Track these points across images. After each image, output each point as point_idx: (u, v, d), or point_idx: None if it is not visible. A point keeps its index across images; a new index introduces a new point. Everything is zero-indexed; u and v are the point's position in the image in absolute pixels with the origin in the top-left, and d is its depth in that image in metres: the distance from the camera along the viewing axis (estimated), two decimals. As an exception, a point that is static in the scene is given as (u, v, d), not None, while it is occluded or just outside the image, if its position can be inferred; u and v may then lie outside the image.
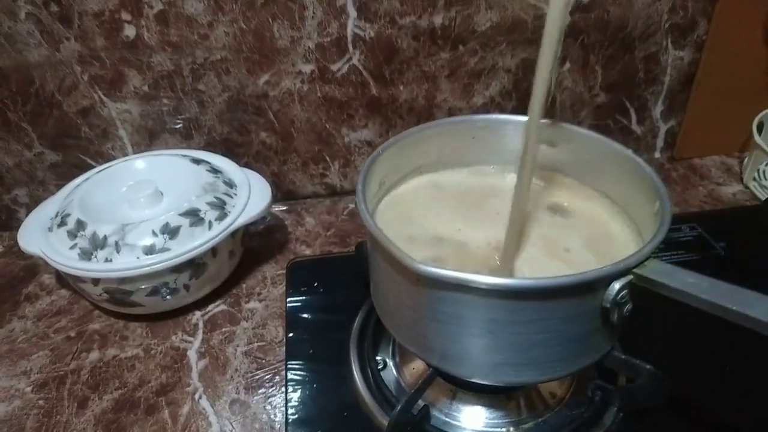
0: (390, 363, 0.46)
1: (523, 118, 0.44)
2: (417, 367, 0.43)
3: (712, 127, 0.78)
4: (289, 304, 0.55)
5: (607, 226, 0.40)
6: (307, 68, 0.64)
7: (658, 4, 0.66)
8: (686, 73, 0.73)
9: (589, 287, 0.29)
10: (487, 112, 0.70)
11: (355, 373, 0.44)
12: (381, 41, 0.63)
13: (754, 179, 0.73)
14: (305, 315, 0.54)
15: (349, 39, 0.62)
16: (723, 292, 0.27)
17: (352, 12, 0.61)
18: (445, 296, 0.31)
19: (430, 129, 0.44)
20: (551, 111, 0.72)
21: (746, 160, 0.78)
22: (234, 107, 0.65)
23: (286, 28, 0.60)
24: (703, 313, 0.29)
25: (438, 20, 0.63)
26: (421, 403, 0.40)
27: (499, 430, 0.40)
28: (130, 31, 0.59)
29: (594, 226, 0.41)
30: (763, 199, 0.72)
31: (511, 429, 0.40)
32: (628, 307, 0.31)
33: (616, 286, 0.30)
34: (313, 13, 0.60)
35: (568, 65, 0.69)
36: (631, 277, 0.30)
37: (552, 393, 0.42)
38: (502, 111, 0.71)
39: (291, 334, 0.51)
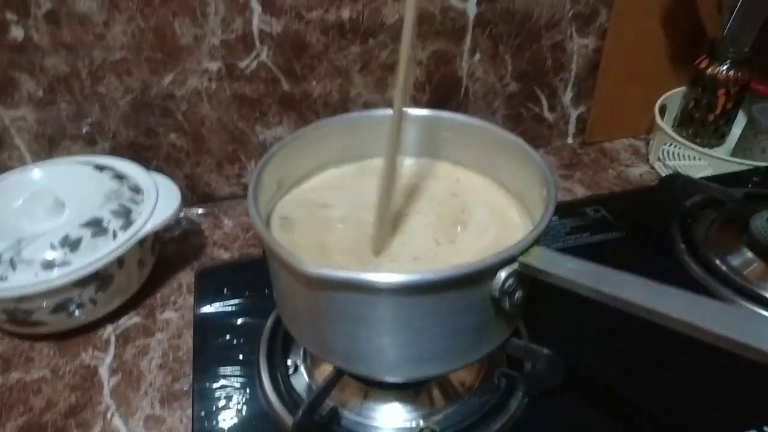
0: (301, 367, 0.45)
1: (418, 111, 0.45)
2: (327, 368, 0.43)
3: (619, 111, 0.81)
4: (197, 312, 0.53)
5: (504, 214, 0.41)
6: (213, 66, 0.62)
7: (560, -7, 0.68)
8: (591, 60, 0.75)
9: (474, 278, 0.30)
10: (403, 104, 0.71)
11: (264, 380, 0.43)
12: (289, 36, 0.62)
13: (659, 159, 0.77)
14: (216, 323, 0.52)
15: (256, 35, 0.61)
16: (599, 277, 0.28)
17: (256, 7, 0.59)
18: (335, 296, 0.30)
19: (328, 126, 0.43)
20: (464, 101, 0.74)
21: (652, 141, 0.81)
22: (139, 109, 0.62)
23: (188, 26, 0.58)
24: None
25: (346, 14, 0.62)
26: (329, 404, 0.40)
27: (410, 423, 0.40)
28: (17, 33, 0.55)
29: (488, 211, 0.41)
30: (666, 178, 0.76)
31: (421, 422, 0.40)
32: (519, 294, 0.31)
33: (502, 275, 0.30)
34: (216, 9, 0.58)
35: (478, 56, 0.70)
36: (516, 265, 0.30)
37: (461, 382, 0.43)
38: (417, 103, 0.71)
39: (200, 345, 0.50)
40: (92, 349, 0.53)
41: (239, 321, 0.51)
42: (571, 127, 0.82)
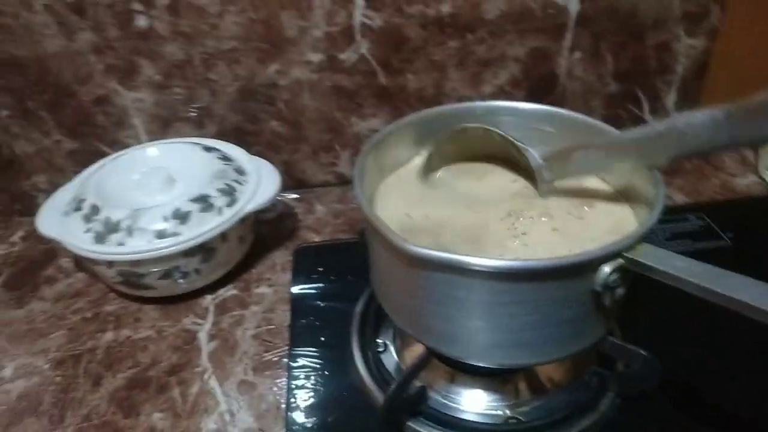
0: (390, 346, 0.47)
1: (517, 104, 0.45)
2: (416, 349, 0.44)
3: (727, 116, 0.77)
4: (294, 290, 0.56)
5: (616, 203, 0.40)
6: (315, 57, 0.64)
7: (669, -9, 0.66)
8: (699, 62, 0.72)
9: (578, 270, 0.30)
10: (496, 101, 0.71)
11: (356, 356, 0.45)
12: (389, 30, 0.63)
13: (767, 169, 0.72)
14: (310, 301, 0.55)
15: (357, 28, 0.63)
16: (712, 276, 0.28)
17: (360, 1, 0.61)
18: (436, 277, 0.31)
19: (430, 115, 0.44)
20: (561, 99, 0.73)
21: (761, 150, 0.77)
22: (245, 96, 0.66)
23: (294, 18, 0.61)
24: (699, 298, 0.29)
25: (446, 8, 0.63)
26: (418, 384, 0.41)
27: (496, 412, 0.41)
28: (142, 22, 0.60)
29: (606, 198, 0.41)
30: (777, 189, 0.71)
31: (507, 411, 0.40)
32: (620, 291, 0.31)
33: (606, 269, 0.30)
34: (322, 2, 0.61)
35: (578, 54, 0.69)
36: (621, 260, 0.30)
37: (550, 378, 0.43)
38: (512, 100, 0.71)
39: (296, 320, 0.52)
40: (193, 315, 0.57)
41: (332, 300, 0.54)
42: (672, 131, 0.78)
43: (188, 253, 0.54)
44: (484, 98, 0.70)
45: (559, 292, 0.31)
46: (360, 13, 0.62)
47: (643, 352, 0.36)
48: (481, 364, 0.37)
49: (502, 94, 0.70)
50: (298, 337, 0.50)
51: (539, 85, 0.71)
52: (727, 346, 0.43)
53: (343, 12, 0.61)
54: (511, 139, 0.41)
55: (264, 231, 0.67)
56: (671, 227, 0.59)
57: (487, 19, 0.64)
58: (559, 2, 0.64)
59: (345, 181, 0.76)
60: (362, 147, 0.41)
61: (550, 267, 0.29)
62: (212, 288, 0.59)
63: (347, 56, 0.65)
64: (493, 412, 0.41)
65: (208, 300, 0.59)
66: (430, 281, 0.32)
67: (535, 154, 0.41)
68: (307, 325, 0.52)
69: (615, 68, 0.71)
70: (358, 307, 0.49)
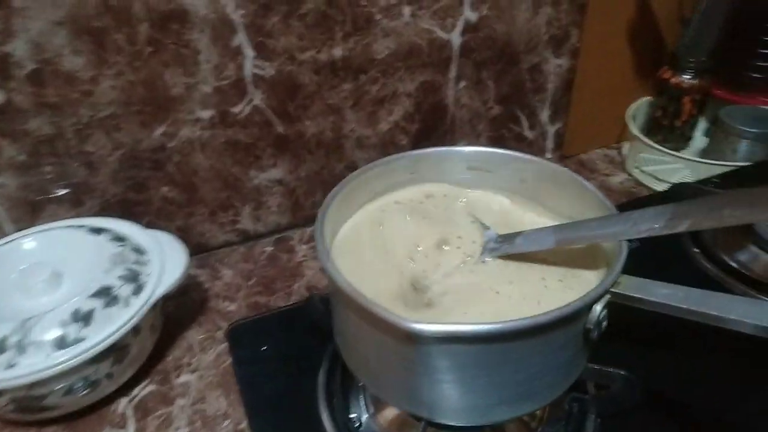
0: (364, 418, 0.44)
1: (459, 149, 0.45)
2: (390, 415, 0.42)
3: (592, 124, 0.85)
4: (239, 374, 0.50)
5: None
6: (206, 114, 0.60)
7: (536, 18, 0.70)
8: (566, 79, 0.78)
9: (578, 314, 0.30)
10: (393, 136, 0.71)
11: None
12: (282, 79, 0.61)
13: (635, 167, 0.80)
14: (262, 385, 0.49)
15: (249, 80, 0.59)
16: (698, 299, 0.29)
17: (249, 52, 0.58)
18: (439, 350, 0.30)
19: (369, 171, 0.43)
20: (451, 128, 0.75)
21: (625, 150, 0.85)
22: (128, 164, 0.59)
23: (179, 75, 0.56)
24: (653, 312, 0.31)
25: (338, 52, 0.62)
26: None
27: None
28: (-3, 96, 0.51)
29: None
30: (646, 183, 0.79)
31: (500, 461, 0.40)
32: (605, 323, 0.32)
33: (598, 308, 0.31)
34: (208, 57, 0.56)
35: (463, 83, 0.71)
36: (609, 296, 0.31)
37: (531, 415, 0.43)
38: (406, 134, 0.72)
39: (249, 406, 0.47)
40: (109, 426, 0.49)
41: (287, 377, 0.49)
42: (549, 143, 0.84)
43: (98, 358, 0.46)
44: (380, 135, 0.70)
45: (560, 339, 0.31)
46: (251, 65, 0.58)
47: (622, 372, 0.38)
48: (482, 424, 0.36)
49: (397, 129, 0.70)
50: (258, 427, 0.45)
51: (431, 116, 0.72)
52: (695, 355, 0.46)
53: (232, 65, 0.58)
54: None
55: (169, 309, 0.60)
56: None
57: (378, 59, 0.64)
58: (443, 36, 0.66)
59: (248, 238, 0.71)
60: (317, 216, 0.38)
61: (558, 317, 0.29)
62: (125, 389, 0.52)
63: (240, 109, 0.61)
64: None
65: (123, 404, 0.51)
66: (429, 354, 0.30)
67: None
68: (264, 409, 0.46)
69: (496, 93, 0.74)
70: (320, 382, 0.46)
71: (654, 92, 0.80)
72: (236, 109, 0.60)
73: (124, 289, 0.49)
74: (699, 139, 0.83)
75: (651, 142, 0.78)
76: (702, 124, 0.83)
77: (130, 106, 0.56)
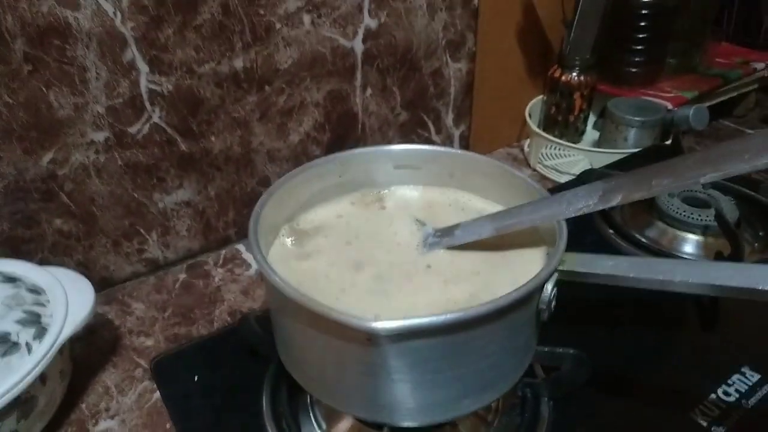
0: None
1: (387, 148, 0.45)
2: (344, 428, 0.40)
3: (494, 124, 0.88)
4: (172, 410, 0.46)
5: None
6: (100, 136, 0.55)
7: (433, 24, 0.72)
8: (466, 82, 0.81)
9: (532, 295, 0.30)
10: (305, 148, 0.69)
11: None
12: (182, 94, 0.57)
13: (539, 162, 0.84)
14: (198, 414, 0.45)
15: (145, 96, 0.56)
16: (643, 267, 0.30)
17: (143, 67, 0.54)
18: (401, 347, 0.29)
19: (296, 177, 0.41)
20: (362, 136, 0.74)
21: (527, 147, 0.89)
22: (13, 198, 0.53)
23: (66, 95, 0.52)
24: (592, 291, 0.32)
25: (239, 63, 0.59)
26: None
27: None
28: None
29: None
30: (550, 177, 0.83)
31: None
32: (554, 303, 0.32)
33: (549, 287, 0.31)
34: (97, 74, 0.52)
35: (369, 90, 0.71)
36: (557, 274, 0.31)
37: (487, 408, 0.42)
38: (318, 144, 0.70)
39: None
40: (16, 493, 0.43)
41: (225, 408, 0.45)
42: (456, 146, 0.86)
43: (1, 414, 0.41)
44: (292, 148, 0.68)
45: (518, 322, 0.31)
46: (146, 80, 0.55)
47: (572, 351, 0.38)
48: (444, 420, 0.35)
49: (309, 140, 0.69)
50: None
51: (342, 125, 0.71)
52: (637, 331, 0.48)
53: (125, 81, 0.54)
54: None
55: (77, 352, 0.55)
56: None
57: (282, 69, 0.62)
58: (345, 44, 0.66)
59: (158, 267, 0.66)
60: (250, 224, 0.35)
61: (516, 299, 0.29)
62: (33, 447, 0.46)
63: (138, 128, 0.57)
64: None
65: (32, 464, 0.45)
66: (389, 355, 0.29)
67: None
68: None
69: (402, 99, 0.75)
70: (265, 402, 0.42)
71: (547, 90, 0.85)
72: (134, 129, 0.56)
73: (24, 334, 0.44)
74: (590, 132, 0.88)
75: (550, 137, 0.82)
76: (591, 118, 0.88)
77: (9, 133, 0.50)
